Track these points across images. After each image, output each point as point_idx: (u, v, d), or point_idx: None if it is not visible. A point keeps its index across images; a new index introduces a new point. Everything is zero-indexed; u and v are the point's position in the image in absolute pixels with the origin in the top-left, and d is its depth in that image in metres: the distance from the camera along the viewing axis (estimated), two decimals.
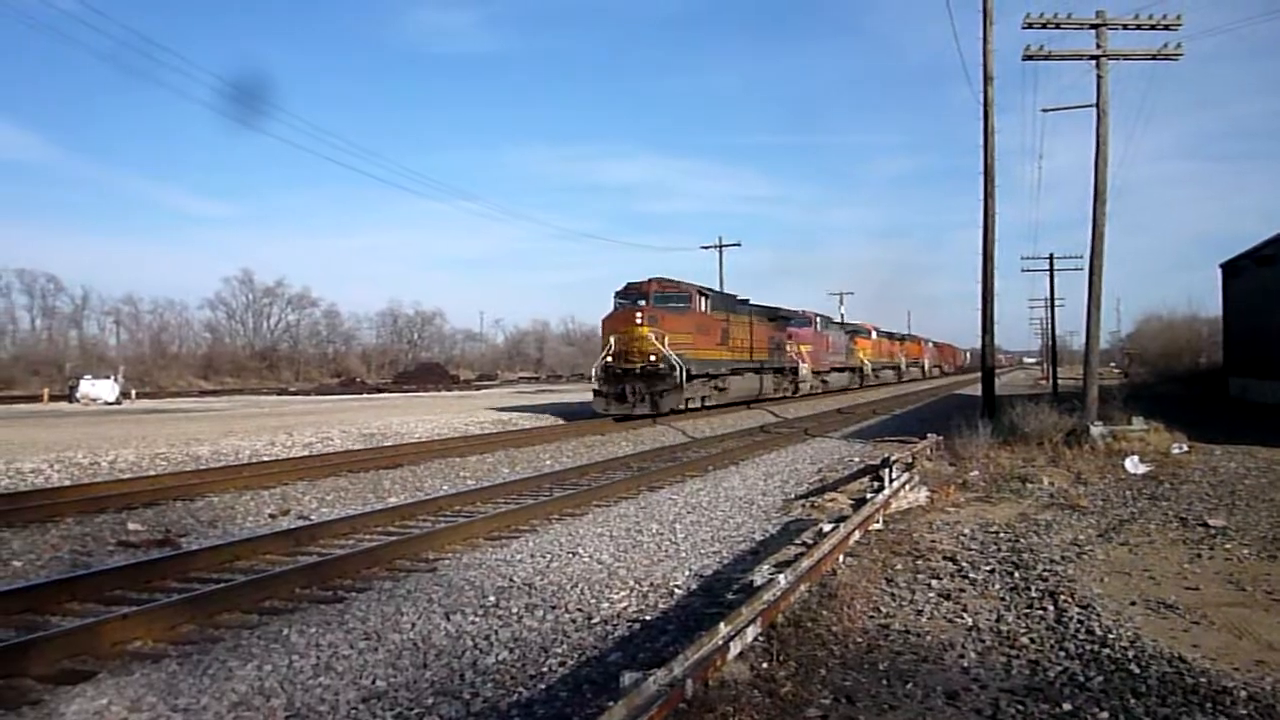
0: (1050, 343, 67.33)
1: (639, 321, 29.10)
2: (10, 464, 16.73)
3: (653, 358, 28.63)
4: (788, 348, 43.83)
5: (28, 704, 6.04)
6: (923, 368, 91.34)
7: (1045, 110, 48.25)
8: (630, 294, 30.99)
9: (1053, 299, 55.37)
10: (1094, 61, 20.90)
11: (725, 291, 38.96)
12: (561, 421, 29.67)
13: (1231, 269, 39.35)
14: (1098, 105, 21.10)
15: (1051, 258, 51.07)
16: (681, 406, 29.88)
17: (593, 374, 30.53)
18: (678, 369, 28.58)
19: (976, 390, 39.93)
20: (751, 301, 39.76)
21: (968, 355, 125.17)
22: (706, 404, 32.77)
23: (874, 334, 68.72)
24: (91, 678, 6.43)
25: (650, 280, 30.98)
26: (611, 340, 29.41)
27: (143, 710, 5.93)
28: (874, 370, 65.13)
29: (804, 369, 45.99)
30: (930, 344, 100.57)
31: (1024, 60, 21.10)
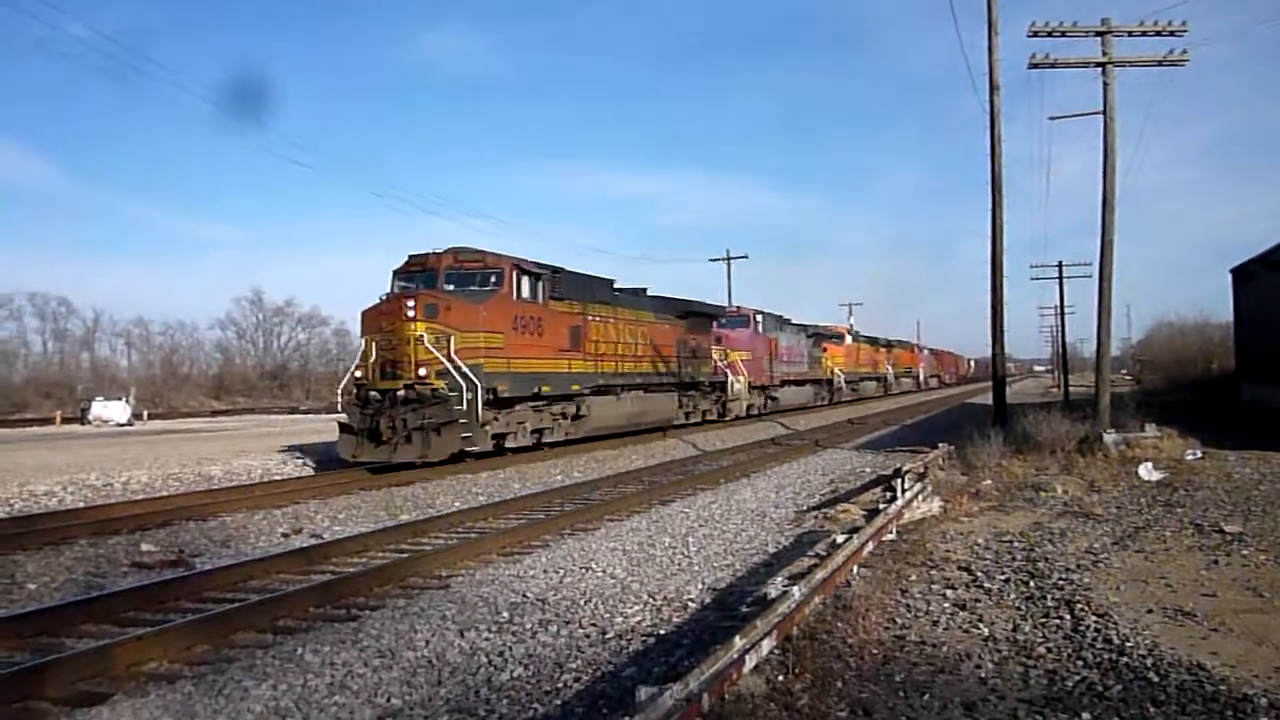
0: (1061, 350, 67.24)
1: (410, 315, 19.33)
2: (24, 487, 16.78)
3: (422, 371, 19.09)
4: (713, 356, 34.76)
5: None
6: (917, 379, 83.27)
7: (1052, 118, 47.89)
8: (410, 272, 21.24)
9: (1062, 307, 55.39)
10: (1100, 69, 20.89)
11: (591, 274, 26.25)
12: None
13: (1242, 274, 39.20)
14: (1105, 112, 21.08)
15: (1060, 266, 51.05)
16: (480, 446, 19.86)
17: (339, 398, 20.41)
18: (463, 389, 18.84)
19: (983, 399, 39.84)
20: (655, 294, 30.96)
21: (971, 364, 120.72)
22: (547, 438, 23.15)
23: (848, 338, 59.64)
24: (107, 700, 6.43)
25: (443, 252, 21.11)
26: (371, 346, 19.76)
27: None
28: (849, 383, 56.65)
29: (737, 384, 36.47)
30: (926, 351, 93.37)
31: (1030, 69, 21.11)
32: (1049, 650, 6.96)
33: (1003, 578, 9.24)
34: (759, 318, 40.68)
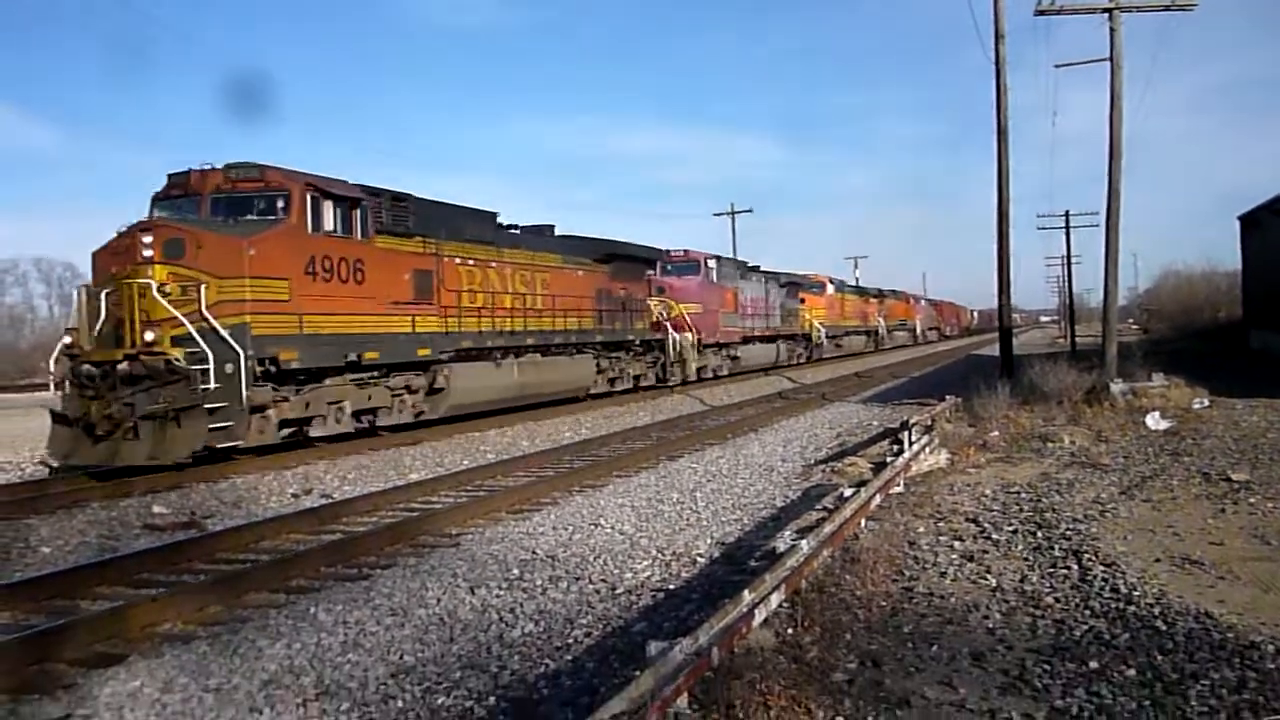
0: (1068, 301, 67.01)
1: (146, 255, 13.89)
2: (35, 451, 16.86)
3: (149, 336, 13.56)
4: (653, 308, 29.95)
5: (61, 688, 6.10)
6: (913, 331, 77.33)
7: (1058, 66, 47.41)
8: (170, 198, 15.53)
9: (1069, 257, 54.89)
10: (1107, 15, 20.65)
11: (456, 204, 20.22)
12: None
13: (1250, 221, 38.94)
14: (1111, 59, 20.89)
15: (1067, 215, 50.56)
16: (246, 439, 14.44)
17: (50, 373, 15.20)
18: (210, 359, 13.49)
19: (988, 351, 39.75)
20: (570, 234, 25.92)
21: (974, 315, 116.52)
22: (384, 420, 17.72)
23: (830, 288, 53.07)
24: (123, 660, 6.50)
25: (210, 169, 15.36)
26: (94, 301, 14.00)
27: (175, 691, 5.99)
28: (832, 338, 51.15)
29: (683, 341, 30.48)
30: (924, 302, 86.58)
31: (1036, 15, 20.90)
32: (1057, 600, 7.00)
33: (1010, 529, 9.27)
34: (711, 263, 34.04)
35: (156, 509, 11.96)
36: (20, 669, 6.34)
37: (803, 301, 46.75)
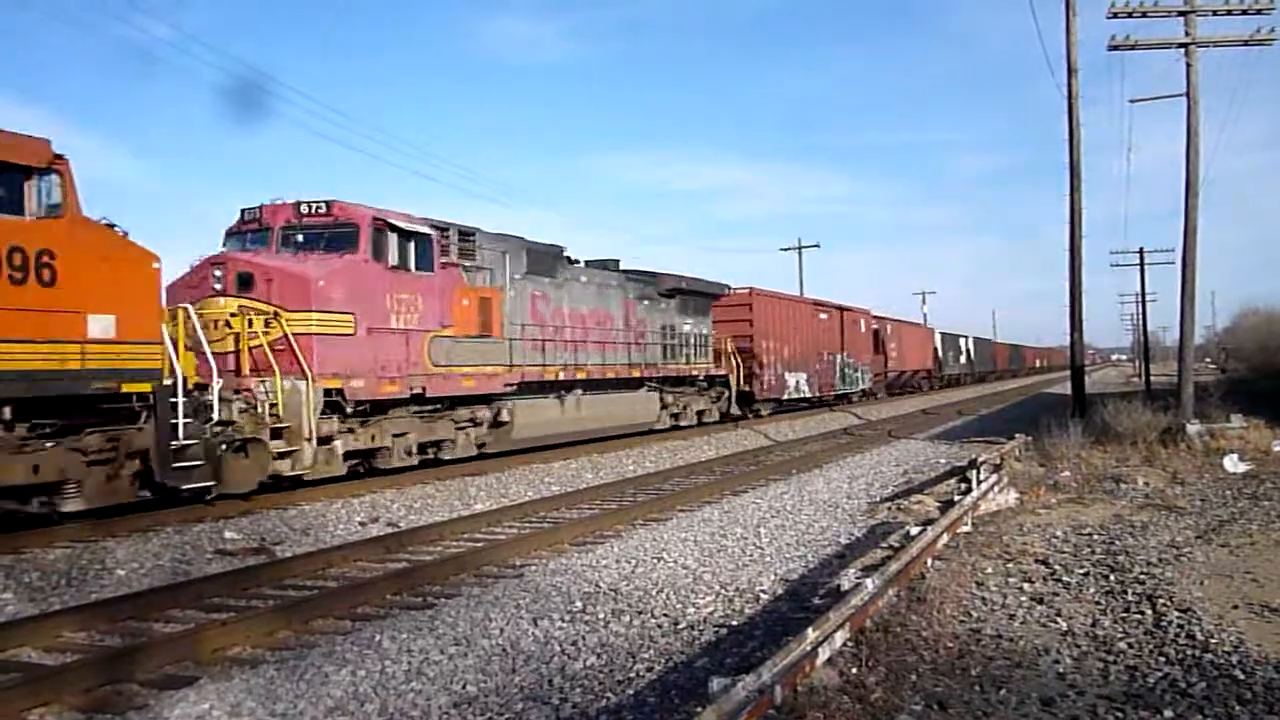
0: (1142, 339, 65.66)
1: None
2: None
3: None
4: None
5: (133, 709, 6.23)
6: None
7: (1133, 101, 46.90)
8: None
9: (1144, 294, 53.89)
10: (1183, 49, 20.35)
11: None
12: None
13: None
14: (1188, 95, 20.57)
15: (1141, 252, 49.65)
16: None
17: None
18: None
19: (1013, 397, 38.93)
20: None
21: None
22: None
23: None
24: (194, 683, 6.61)
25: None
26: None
27: (243, 714, 6.09)
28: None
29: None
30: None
31: (1109, 51, 20.65)
32: (1130, 646, 6.84)
33: (1082, 571, 9.08)
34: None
35: (228, 534, 12.18)
36: (94, 688, 6.49)
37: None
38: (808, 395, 36.05)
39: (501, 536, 11.99)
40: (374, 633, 7.79)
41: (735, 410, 29.60)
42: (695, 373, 27.48)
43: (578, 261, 22.39)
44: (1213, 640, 6.81)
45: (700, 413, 28.07)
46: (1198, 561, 9.42)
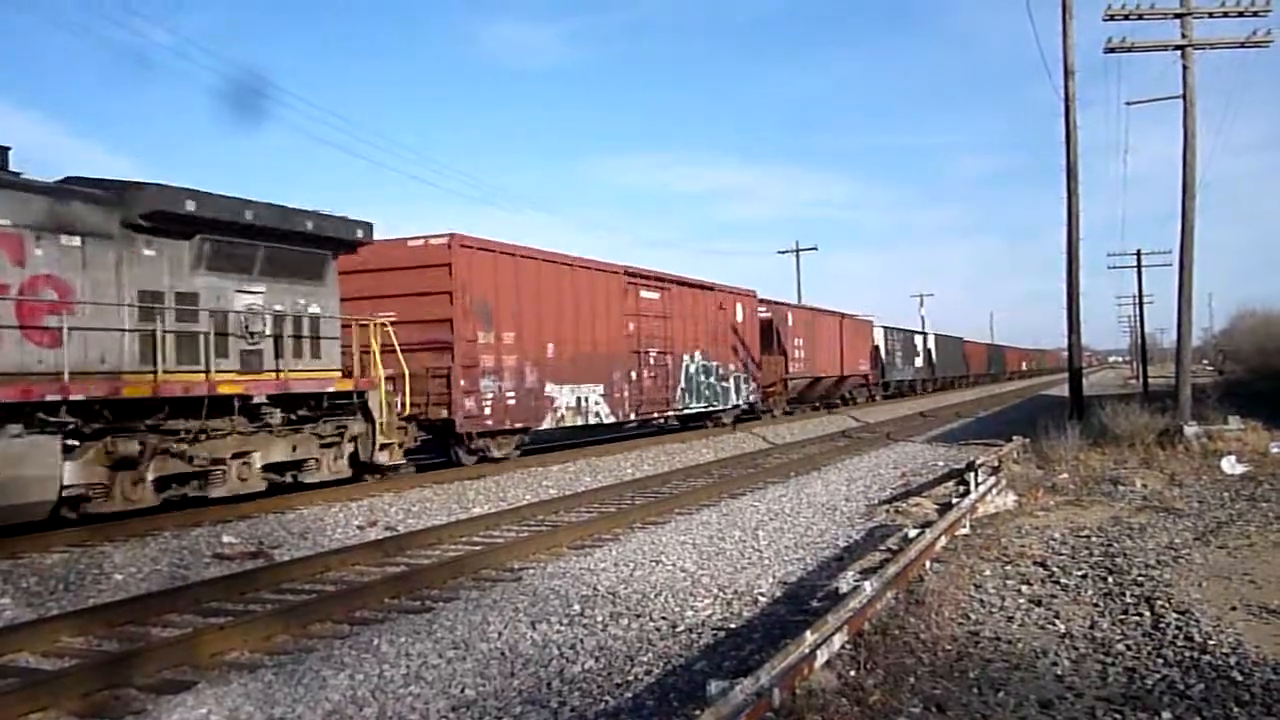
0: (1140, 341, 65.72)
1: None
2: None
3: None
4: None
5: (131, 714, 6.23)
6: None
7: (1130, 104, 46.88)
8: None
9: (1141, 296, 53.99)
10: (1179, 52, 20.38)
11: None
12: None
13: None
14: (1184, 97, 20.58)
15: (1139, 254, 49.81)
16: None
17: None
18: None
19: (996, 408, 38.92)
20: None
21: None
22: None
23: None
24: (191, 687, 6.61)
25: None
26: None
27: (241, 719, 6.08)
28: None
29: None
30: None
31: (1106, 53, 20.67)
32: (1128, 648, 6.84)
33: (1080, 573, 9.09)
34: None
35: (226, 539, 12.16)
36: (93, 693, 6.49)
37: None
38: (605, 419, 22.56)
39: (500, 540, 12.00)
40: (372, 636, 7.78)
41: (384, 458, 15.84)
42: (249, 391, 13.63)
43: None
44: (1211, 642, 6.81)
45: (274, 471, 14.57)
46: (1196, 563, 9.42)
